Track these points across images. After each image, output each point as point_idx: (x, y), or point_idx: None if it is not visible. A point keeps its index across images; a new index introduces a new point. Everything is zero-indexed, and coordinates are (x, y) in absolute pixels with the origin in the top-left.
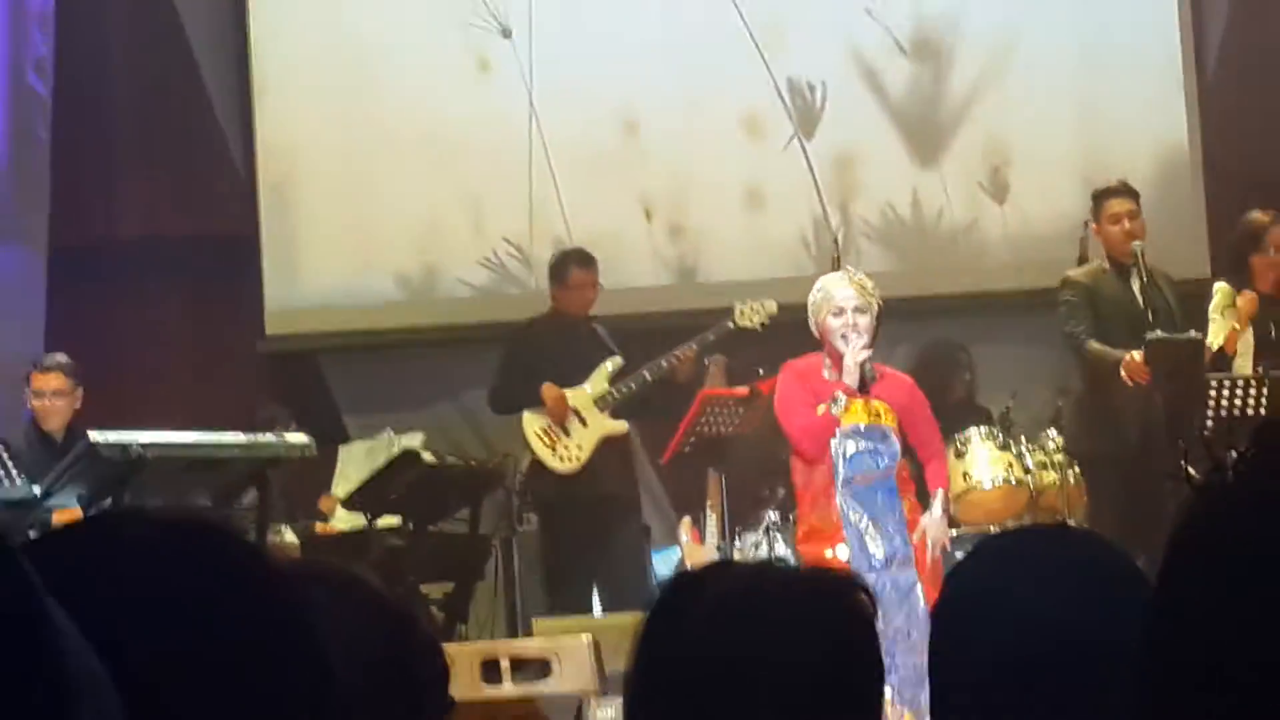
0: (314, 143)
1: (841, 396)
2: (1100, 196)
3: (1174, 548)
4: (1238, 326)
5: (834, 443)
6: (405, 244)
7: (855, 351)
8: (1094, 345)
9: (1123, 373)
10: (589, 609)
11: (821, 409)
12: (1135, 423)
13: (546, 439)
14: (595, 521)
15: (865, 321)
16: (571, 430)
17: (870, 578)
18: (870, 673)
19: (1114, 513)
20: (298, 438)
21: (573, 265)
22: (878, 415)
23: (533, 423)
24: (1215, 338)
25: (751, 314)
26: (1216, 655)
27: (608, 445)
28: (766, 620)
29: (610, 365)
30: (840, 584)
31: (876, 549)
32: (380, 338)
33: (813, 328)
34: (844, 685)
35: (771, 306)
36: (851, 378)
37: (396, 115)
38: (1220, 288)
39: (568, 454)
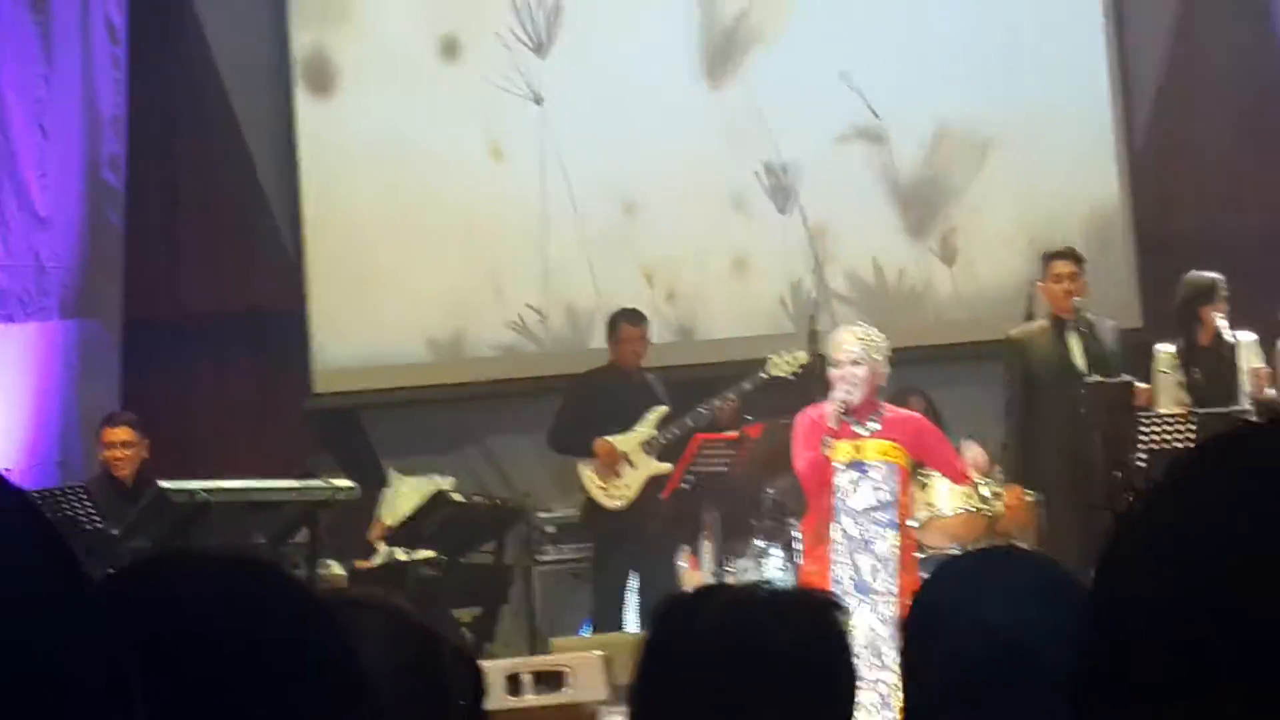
0: (354, 223)
1: (828, 439)
2: (1047, 259)
3: (1098, 567)
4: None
5: (835, 479)
6: (436, 311)
7: (833, 400)
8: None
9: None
10: (620, 628)
11: (824, 448)
12: (1076, 457)
13: (600, 480)
14: (636, 550)
15: (860, 372)
16: (622, 472)
17: (855, 598)
18: (845, 681)
19: (1064, 535)
20: (343, 483)
21: (623, 322)
22: (860, 451)
23: (586, 468)
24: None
25: (783, 364)
26: (1136, 664)
27: (653, 484)
28: (752, 634)
29: (657, 413)
30: (819, 602)
31: (863, 572)
32: (415, 394)
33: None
34: (820, 692)
35: (803, 357)
36: (831, 421)
37: (426, 197)
38: (1163, 351)
39: (617, 493)
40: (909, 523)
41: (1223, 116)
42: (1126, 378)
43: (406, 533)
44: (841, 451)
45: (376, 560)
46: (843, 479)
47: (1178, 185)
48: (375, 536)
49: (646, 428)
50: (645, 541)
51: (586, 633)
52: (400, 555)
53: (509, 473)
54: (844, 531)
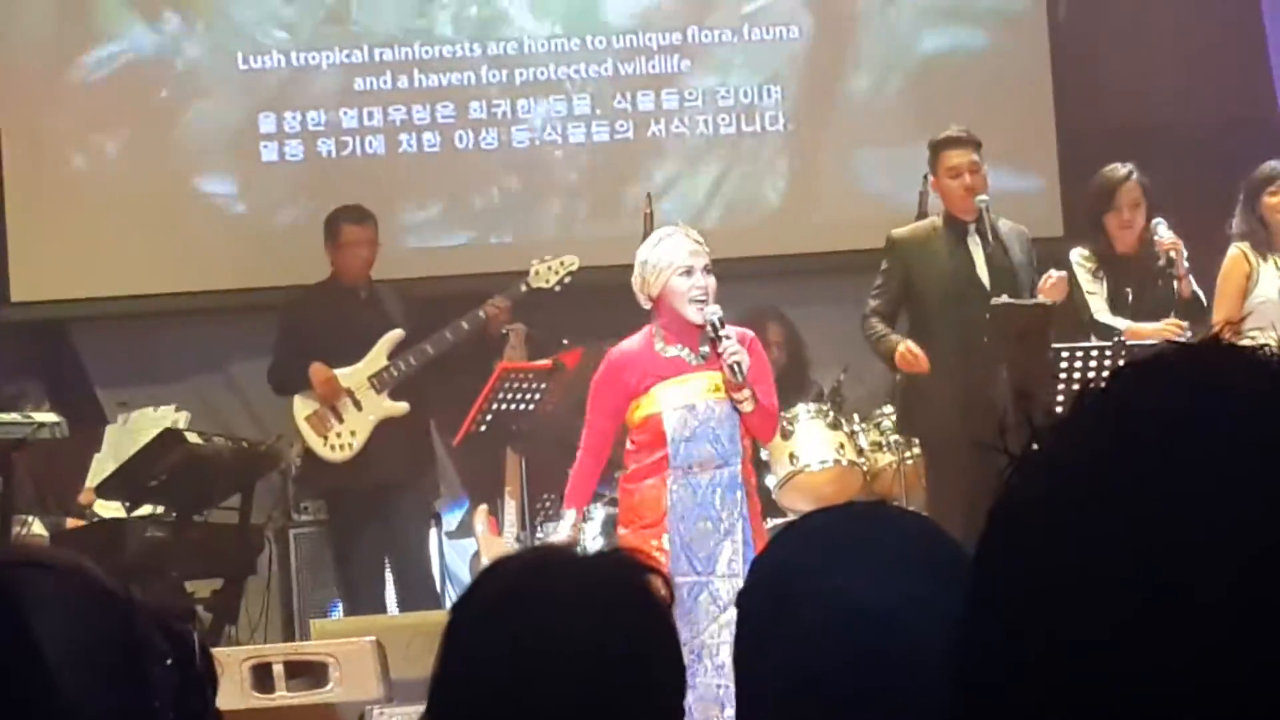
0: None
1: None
2: (937, 147)
3: (985, 527)
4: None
5: (667, 422)
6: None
7: (708, 318)
8: (873, 325)
9: (896, 361)
10: (383, 608)
11: (640, 409)
12: (977, 398)
13: (317, 425)
14: (379, 513)
15: (713, 285)
16: (345, 414)
17: (689, 580)
18: (666, 662)
19: (955, 498)
20: (47, 416)
21: (344, 222)
22: (688, 388)
23: (304, 408)
24: (1096, 307)
25: (549, 272)
26: (1018, 642)
27: (387, 429)
28: (545, 618)
29: (388, 338)
30: (629, 567)
31: (702, 550)
32: (138, 304)
33: (643, 296)
34: (636, 676)
35: (572, 262)
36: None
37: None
38: (1081, 255)
39: (339, 441)
40: (769, 480)
41: None
42: (1043, 299)
43: (127, 482)
44: (662, 396)
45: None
46: (671, 423)
47: (1108, 65)
48: (86, 501)
49: (376, 357)
50: (387, 503)
51: (337, 615)
52: (118, 511)
53: (259, 408)
54: (675, 495)
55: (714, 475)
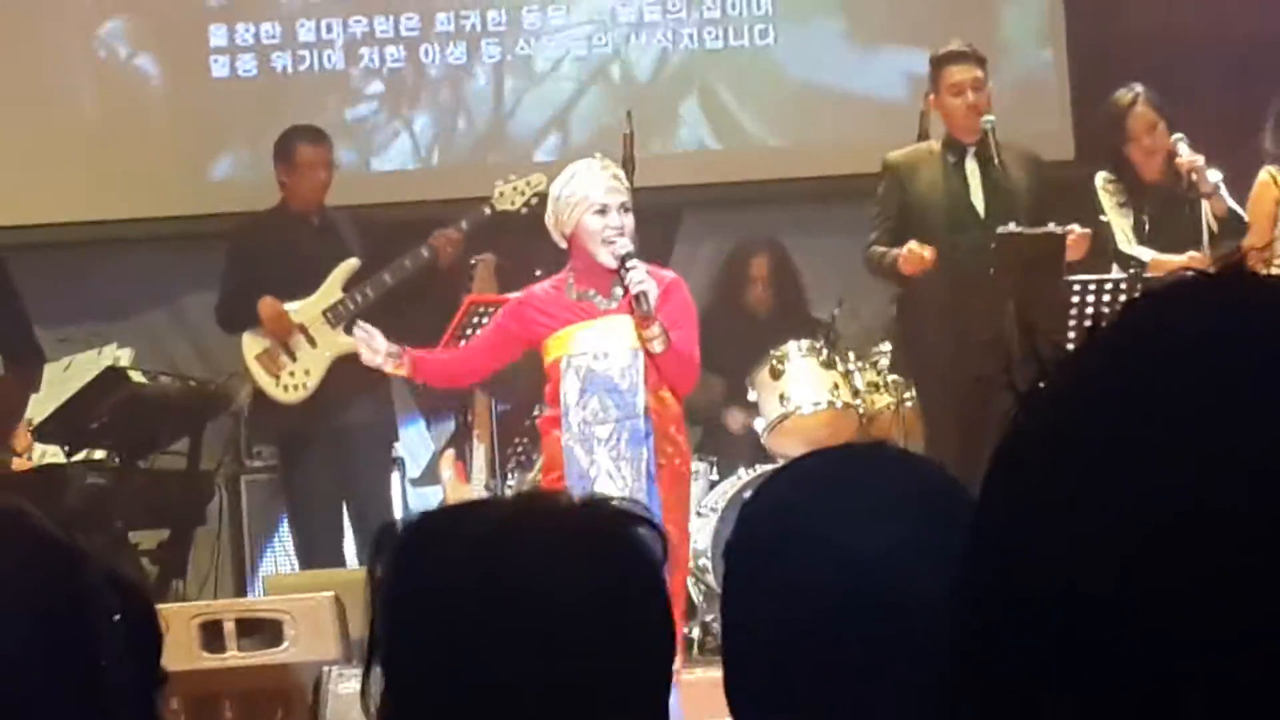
0: None
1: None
2: (939, 63)
3: (990, 465)
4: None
5: (563, 378)
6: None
7: (618, 253)
8: (873, 250)
9: (900, 267)
10: (342, 561)
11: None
12: (981, 335)
13: (268, 364)
14: (336, 458)
15: (630, 225)
16: (298, 352)
17: None
18: (655, 619)
19: (957, 441)
20: None
21: (297, 141)
22: (599, 332)
23: (253, 346)
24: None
25: (514, 194)
26: (1023, 590)
27: (343, 367)
28: (527, 559)
29: (343, 268)
30: (618, 515)
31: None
32: (78, 232)
33: (556, 234)
34: (621, 635)
35: (539, 181)
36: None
37: None
38: (1105, 179)
39: (292, 381)
40: (758, 423)
41: None
42: (1055, 227)
43: (66, 424)
44: (569, 340)
45: (27, 462)
46: (568, 380)
47: None
48: (21, 447)
49: (331, 289)
50: (344, 447)
51: (292, 569)
52: (57, 455)
53: (209, 345)
54: (574, 454)
55: (613, 429)
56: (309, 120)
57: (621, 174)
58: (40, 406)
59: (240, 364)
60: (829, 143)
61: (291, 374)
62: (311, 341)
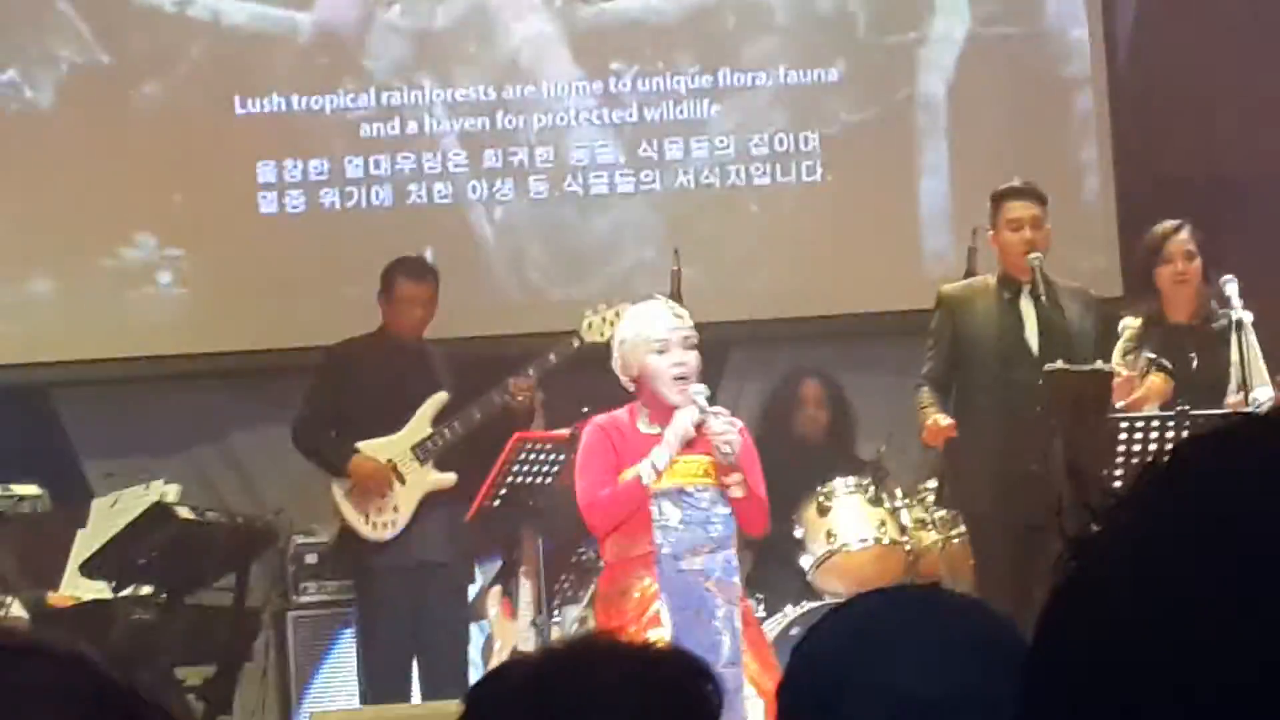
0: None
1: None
2: (999, 198)
3: (1044, 610)
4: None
5: (654, 509)
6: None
7: (693, 398)
8: (922, 396)
9: (924, 439)
10: (407, 696)
11: (630, 474)
12: (1027, 473)
13: (358, 503)
14: (411, 594)
15: (694, 361)
16: (389, 490)
17: None
18: None
19: (1004, 580)
20: (28, 489)
21: (401, 275)
22: (673, 471)
23: (343, 483)
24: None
25: (603, 324)
26: None
27: (431, 502)
28: (582, 704)
29: (433, 403)
30: (679, 670)
31: (705, 640)
32: (127, 368)
33: (622, 371)
34: None
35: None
36: (681, 431)
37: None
38: (1130, 324)
39: (382, 519)
40: (804, 560)
41: (1229, 23)
42: (1102, 365)
43: (114, 560)
44: (681, 471)
45: (75, 596)
46: (661, 511)
47: (1170, 115)
48: (73, 566)
49: (420, 424)
50: (421, 583)
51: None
52: (104, 592)
53: (256, 481)
54: (667, 586)
55: (707, 561)
56: (358, 257)
57: (684, 311)
58: (87, 542)
59: (287, 499)
60: (876, 279)
61: (380, 511)
62: (401, 479)
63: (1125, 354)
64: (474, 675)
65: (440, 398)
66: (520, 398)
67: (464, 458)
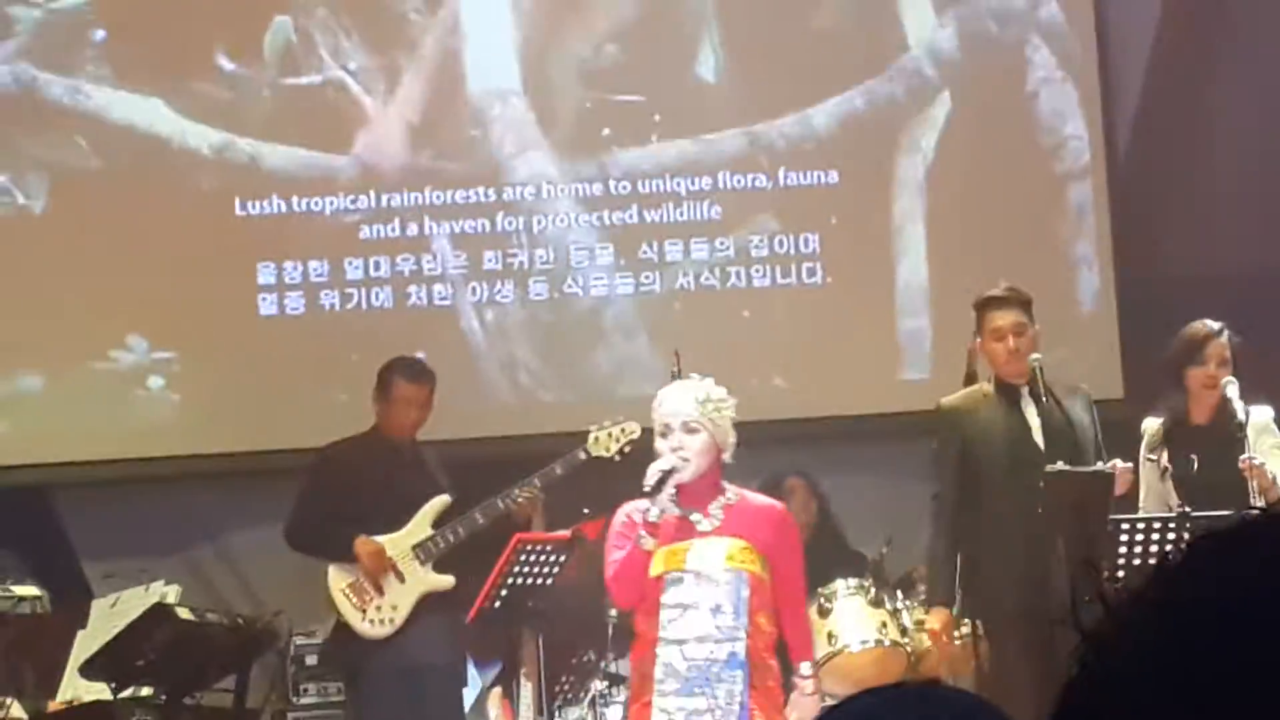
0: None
1: (646, 537)
2: (981, 307)
3: (1058, 707)
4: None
5: (665, 591)
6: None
7: (652, 471)
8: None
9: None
10: None
11: (643, 543)
12: (1031, 574)
13: (355, 598)
14: (406, 696)
15: (696, 442)
16: (387, 587)
17: None
18: None
19: (1014, 678)
20: (27, 590)
21: (398, 376)
22: (694, 553)
23: (340, 578)
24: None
25: (609, 440)
26: None
27: (428, 603)
28: None
29: (435, 505)
30: None
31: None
32: (125, 469)
33: None
34: None
35: (634, 429)
36: (659, 504)
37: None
38: (1150, 428)
39: (379, 616)
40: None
41: (1226, 125)
42: (1102, 466)
43: (114, 661)
44: (667, 557)
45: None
46: (668, 596)
47: (1170, 216)
48: (72, 669)
49: (421, 525)
50: (415, 685)
51: None
52: (104, 693)
53: (254, 581)
54: (669, 668)
55: (711, 650)
56: (358, 357)
57: (706, 393)
58: (87, 643)
59: (285, 600)
60: (869, 381)
61: (379, 608)
62: (400, 577)
63: (1151, 451)
64: None
65: (442, 500)
66: (523, 504)
67: (462, 559)
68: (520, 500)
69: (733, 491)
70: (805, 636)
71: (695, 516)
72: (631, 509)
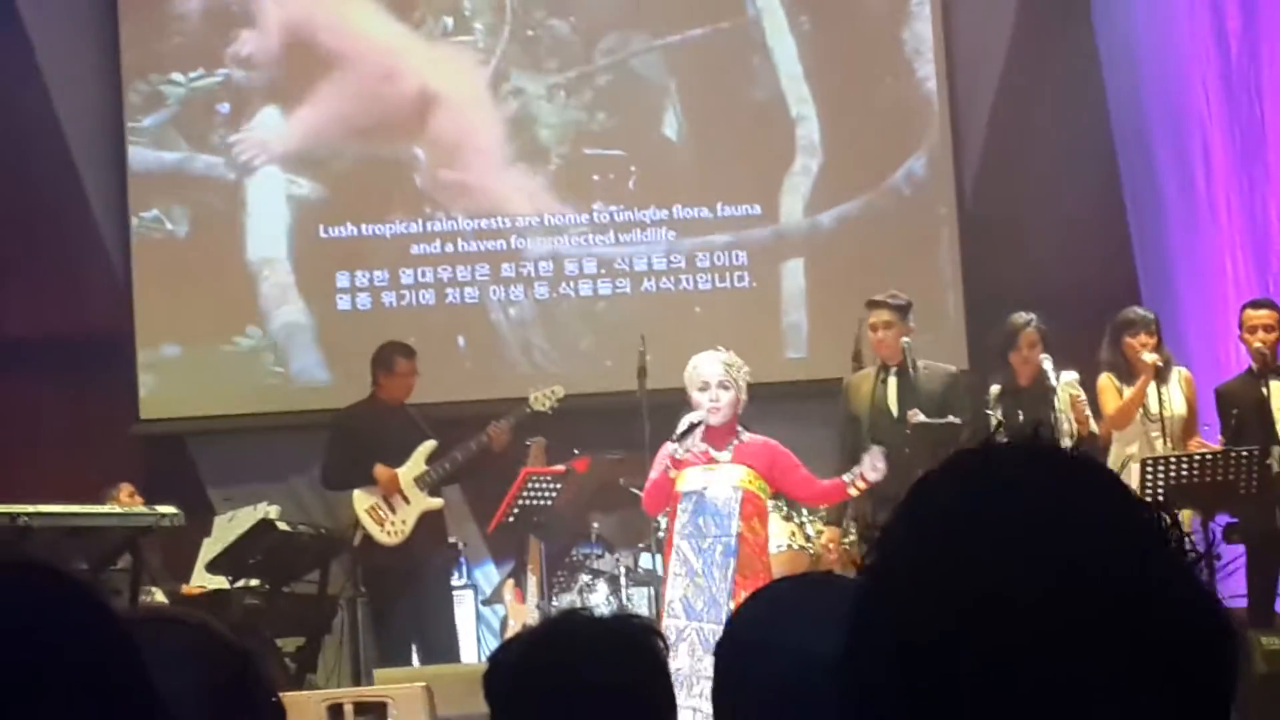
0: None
1: (669, 466)
2: (869, 306)
3: (854, 596)
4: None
5: (678, 505)
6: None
7: (684, 421)
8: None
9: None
10: (408, 661)
11: (670, 473)
12: (898, 497)
13: (375, 516)
14: (410, 585)
15: (727, 396)
16: (396, 507)
17: (682, 622)
18: (662, 707)
19: None
20: (167, 509)
21: (398, 355)
22: (713, 475)
23: (363, 501)
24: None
25: (544, 399)
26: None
27: (425, 519)
28: (568, 663)
29: (426, 447)
30: (637, 629)
31: (696, 599)
32: (240, 422)
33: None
34: (640, 708)
35: (559, 391)
36: (681, 449)
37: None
38: (991, 392)
39: (393, 529)
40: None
41: (1050, 164)
42: (953, 419)
43: (231, 561)
44: (688, 478)
45: (202, 586)
46: (684, 505)
47: (1005, 243)
48: (199, 566)
49: (417, 463)
50: (416, 576)
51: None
52: (224, 583)
53: (333, 503)
54: (683, 558)
55: (710, 543)
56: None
57: (731, 360)
58: (211, 548)
59: (351, 516)
60: (786, 358)
61: (392, 523)
62: (406, 500)
63: (990, 407)
64: (474, 647)
65: (431, 444)
66: (500, 438)
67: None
68: (496, 434)
69: (743, 434)
70: (824, 486)
71: (716, 451)
72: (668, 448)
